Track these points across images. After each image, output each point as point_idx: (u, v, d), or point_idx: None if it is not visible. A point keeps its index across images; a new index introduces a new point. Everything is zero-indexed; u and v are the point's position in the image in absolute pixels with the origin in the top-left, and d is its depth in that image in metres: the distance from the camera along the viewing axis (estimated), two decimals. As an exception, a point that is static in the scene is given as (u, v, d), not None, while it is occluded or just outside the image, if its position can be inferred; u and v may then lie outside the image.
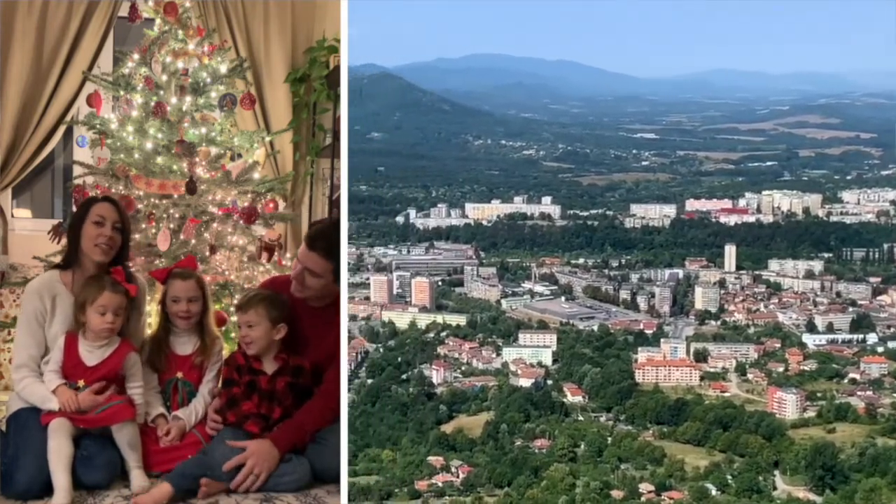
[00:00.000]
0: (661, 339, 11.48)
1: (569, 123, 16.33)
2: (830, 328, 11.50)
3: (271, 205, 7.18)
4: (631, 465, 10.13)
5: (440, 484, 9.95)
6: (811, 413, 10.51)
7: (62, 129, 9.02)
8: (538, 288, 12.56)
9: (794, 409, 10.49)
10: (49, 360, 4.98)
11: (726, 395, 10.94)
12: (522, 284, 12.65)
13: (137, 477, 4.82)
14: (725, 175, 14.45)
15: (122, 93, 7.05)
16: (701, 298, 12.07)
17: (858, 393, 10.57)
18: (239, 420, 5.07)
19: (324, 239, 5.26)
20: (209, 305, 5.49)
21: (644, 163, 14.94)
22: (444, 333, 11.88)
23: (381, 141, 15.12)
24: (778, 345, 11.40)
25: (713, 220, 13.08)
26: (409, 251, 13.02)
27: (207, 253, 6.72)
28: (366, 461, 10.26)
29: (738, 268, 12.45)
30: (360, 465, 10.22)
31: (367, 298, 12.21)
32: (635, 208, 13.45)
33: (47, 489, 4.63)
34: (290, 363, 5.18)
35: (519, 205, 13.53)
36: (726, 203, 13.27)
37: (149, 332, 5.60)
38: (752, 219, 13.01)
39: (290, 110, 9.56)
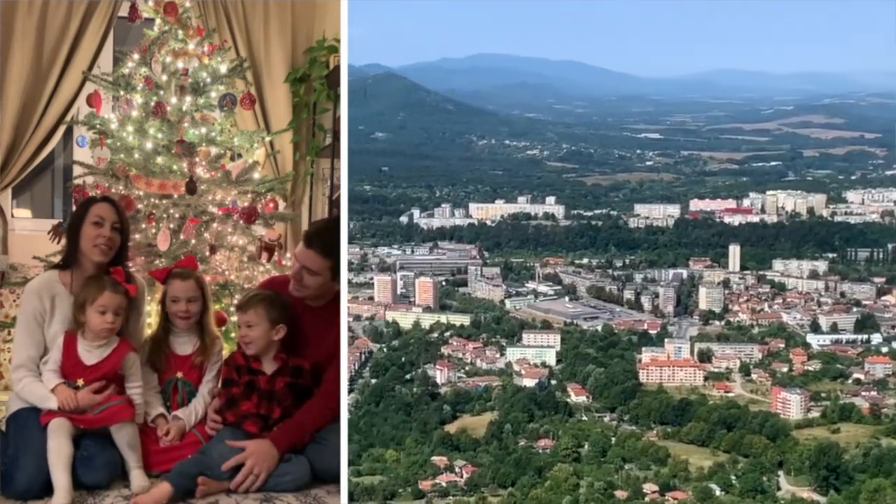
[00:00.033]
0: (665, 340, 11.48)
1: (573, 123, 16.32)
2: (835, 328, 11.48)
3: (271, 205, 7.18)
4: (635, 466, 10.12)
5: (444, 484, 9.95)
6: (815, 413, 10.50)
7: (62, 129, 9.02)
8: (542, 288, 12.56)
9: (799, 410, 10.48)
10: (48, 359, 4.98)
11: (730, 395, 10.93)
12: (526, 284, 12.65)
13: (137, 477, 4.82)
14: (729, 175, 14.43)
15: (122, 93, 7.05)
16: (705, 298, 12.05)
17: (863, 393, 10.56)
18: (238, 420, 5.07)
19: (321, 237, 5.26)
20: (209, 305, 5.49)
21: (648, 163, 14.93)
22: (447, 333, 11.87)
23: (385, 141, 15.13)
24: (782, 345, 11.39)
25: (717, 220, 13.07)
26: (412, 251, 13.02)
27: (207, 253, 6.71)
28: (370, 461, 10.27)
29: (743, 268, 12.45)
30: (364, 464, 10.23)
31: (371, 298, 12.22)
32: (639, 208, 13.44)
33: (47, 489, 4.62)
34: (290, 363, 5.18)
35: (523, 205, 13.53)
36: (730, 203, 13.26)
37: (149, 332, 5.60)
38: (756, 219, 13.00)
39: (290, 110, 9.56)
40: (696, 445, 10.34)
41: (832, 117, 15.37)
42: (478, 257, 13.00)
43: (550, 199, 13.60)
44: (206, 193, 6.87)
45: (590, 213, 13.48)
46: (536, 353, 11.40)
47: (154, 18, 7.07)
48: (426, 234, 13.33)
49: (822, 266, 12.32)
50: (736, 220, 12.97)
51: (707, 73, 17.05)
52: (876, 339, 11.25)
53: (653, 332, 11.73)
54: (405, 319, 12.03)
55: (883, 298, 11.79)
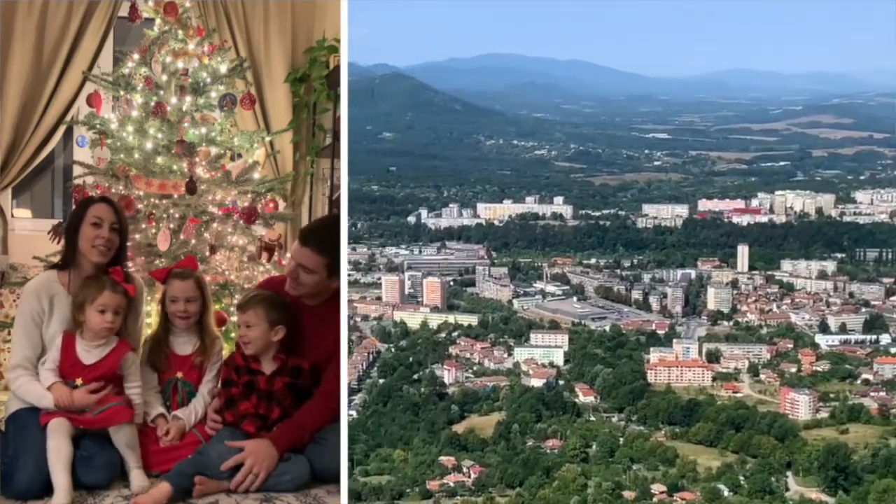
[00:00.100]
0: (674, 340, 11.47)
1: (581, 123, 16.31)
2: (843, 329, 11.46)
3: (271, 205, 7.17)
4: (643, 466, 10.11)
5: (452, 484, 9.95)
6: (824, 414, 10.49)
7: (62, 129, 9.04)
8: (550, 288, 12.56)
9: (807, 410, 10.46)
10: (46, 359, 4.98)
11: (739, 395, 10.92)
12: (534, 284, 12.65)
13: (137, 477, 4.82)
14: (738, 175, 14.41)
15: (122, 93, 7.04)
16: (713, 299, 12.04)
17: (871, 394, 10.54)
18: (237, 420, 5.08)
19: (317, 234, 5.26)
20: (209, 306, 5.49)
21: (656, 163, 14.92)
22: (455, 333, 11.88)
23: (392, 141, 15.13)
24: (791, 345, 11.37)
25: (726, 220, 13.05)
26: (420, 251, 13.02)
27: (207, 253, 6.71)
28: (377, 461, 10.27)
29: (751, 268, 12.43)
30: (372, 464, 10.23)
31: (379, 298, 12.23)
32: (647, 208, 13.43)
33: (47, 489, 4.63)
34: (289, 363, 5.17)
35: (531, 205, 13.52)
36: (739, 203, 13.24)
37: (149, 331, 5.61)
38: (764, 219, 12.98)
39: (290, 110, 9.56)
40: (705, 446, 10.33)
41: (841, 117, 15.34)
42: (486, 257, 12.99)
43: (558, 199, 13.60)
44: (206, 193, 6.87)
45: (598, 214, 13.47)
46: (544, 354, 11.40)
47: (154, 18, 7.06)
48: (434, 234, 13.33)
49: (830, 266, 12.30)
50: (744, 220, 12.95)
51: (716, 73, 17.03)
52: (885, 339, 11.22)
53: (661, 332, 11.72)
54: (413, 319, 12.04)
55: (891, 299, 11.76)
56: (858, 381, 10.81)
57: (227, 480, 4.82)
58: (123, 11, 8.52)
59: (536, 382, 11.05)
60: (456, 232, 13.32)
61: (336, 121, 9.36)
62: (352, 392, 11.05)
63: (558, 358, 11.37)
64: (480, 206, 13.55)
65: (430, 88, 15.95)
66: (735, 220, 12.98)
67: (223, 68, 7.18)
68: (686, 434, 10.45)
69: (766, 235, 12.81)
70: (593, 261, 12.89)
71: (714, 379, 11.12)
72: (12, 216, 9.39)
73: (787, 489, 9.73)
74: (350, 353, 11.39)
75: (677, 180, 14.42)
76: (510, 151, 15.23)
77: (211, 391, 5.35)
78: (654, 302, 12.21)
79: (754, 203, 13.27)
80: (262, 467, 4.84)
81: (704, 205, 13.33)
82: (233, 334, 6.00)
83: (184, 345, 5.39)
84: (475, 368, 11.41)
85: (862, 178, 13.79)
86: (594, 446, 10.34)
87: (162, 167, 6.78)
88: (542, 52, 16.14)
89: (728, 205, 13.21)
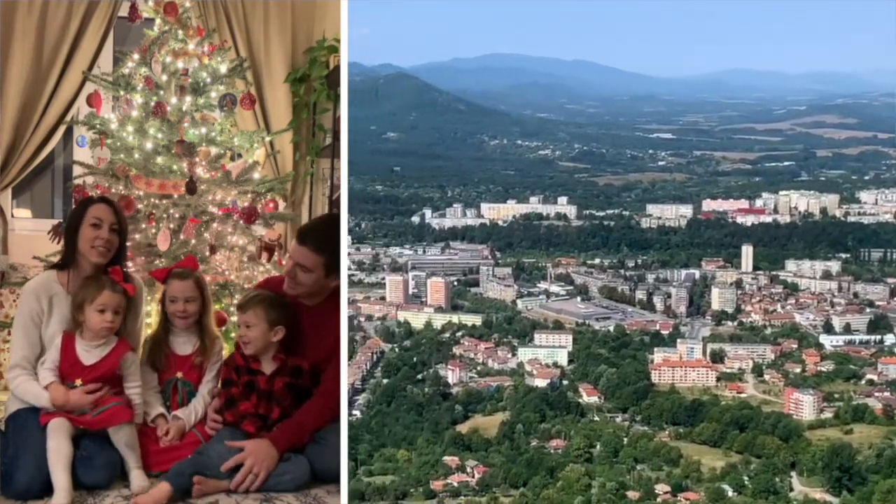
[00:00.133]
0: (678, 340, 11.46)
1: (585, 123, 16.30)
2: (848, 329, 11.45)
3: (271, 205, 7.17)
4: (647, 466, 10.11)
5: (455, 484, 9.95)
6: (828, 414, 10.47)
7: (62, 129, 9.06)
8: (554, 288, 12.55)
9: (811, 411, 10.45)
10: (45, 359, 4.98)
11: (743, 395, 10.91)
12: (538, 285, 12.64)
13: (137, 477, 4.82)
14: (742, 175, 14.40)
15: (122, 93, 7.04)
16: (717, 299, 12.03)
17: (876, 394, 10.53)
18: (237, 420, 5.08)
19: (314, 233, 5.26)
20: (209, 306, 5.49)
21: (660, 163, 14.91)
22: (459, 333, 11.87)
23: (396, 141, 15.14)
24: (795, 346, 11.36)
25: (730, 220, 13.04)
26: (424, 251, 13.02)
27: (207, 253, 6.71)
28: (381, 461, 10.27)
29: (755, 268, 12.42)
30: (376, 464, 10.23)
31: (383, 298, 12.24)
32: (651, 208, 13.42)
33: (47, 489, 4.63)
34: (289, 363, 5.17)
35: (535, 205, 13.51)
36: (743, 203, 13.23)
37: (149, 331, 5.61)
38: (769, 219, 12.97)
39: (290, 110, 9.56)
40: (709, 446, 10.32)
41: (845, 117, 15.32)
42: (489, 257, 12.99)
43: (562, 199, 13.59)
44: (206, 193, 6.87)
45: (602, 214, 13.47)
46: (548, 354, 11.39)
47: (154, 18, 7.06)
48: (438, 234, 13.33)
49: (835, 266, 12.28)
50: (748, 220, 12.94)
51: (719, 73, 17.03)
52: (889, 339, 11.21)
53: (665, 332, 11.71)
54: (417, 319, 12.04)
55: (896, 299, 11.77)
56: (863, 382, 10.79)
57: (226, 480, 4.82)
58: (123, 11, 8.53)
59: (540, 382, 11.04)
60: (460, 232, 13.32)
61: (336, 121, 9.36)
62: (356, 392, 11.06)
63: (562, 358, 11.37)
64: (484, 206, 13.54)
65: (434, 88, 15.95)
66: (739, 220, 12.97)
67: (223, 68, 7.18)
68: (690, 434, 10.44)
69: (770, 235, 12.80)
70: (597, 261, 12.88)
71: (718, 379, 11.10)
72: (12, 216, 9.41)
73: (791, 489, 9.71)
74: (354, 353, 11.41)
75: (681, 180, 14.41)
76: (514, 151, 15.22)
77: (211, 391, 5.35)
78: (658, 302, 12.20)
79: (758, 203, 13.26)
80: (262, 467, 4.84)
81: (708, 205, 13.32)
82: (233, 334, 6.00)
83: (184, 345, 5.39)
84: (479, 368, 11.40)
85: (866, 178, 13.78)
86: (598, 446, 10.33)
87: (162, 167, 6.77)
88: (546, 52, 16.15)
89: (732, 205, 13.20)
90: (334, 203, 9.38)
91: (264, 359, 5.16)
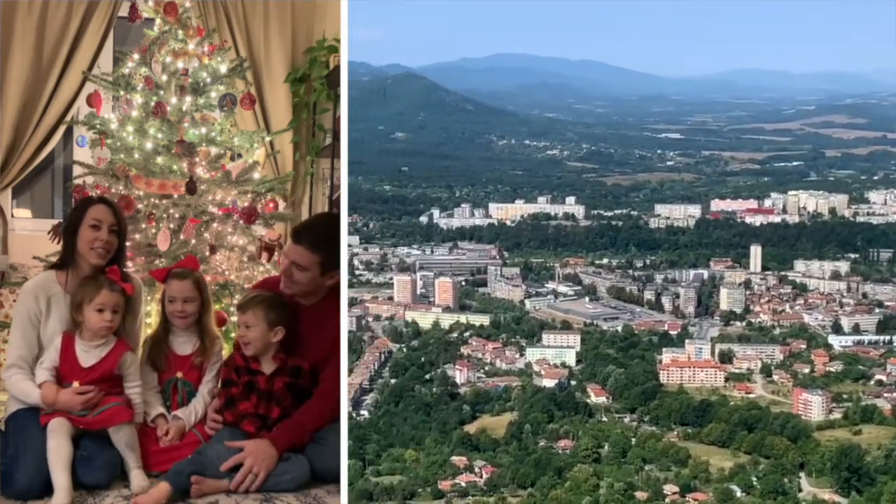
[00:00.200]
0: (686, 340, 11.45)
1: (593, 123, 16.31)
2: (857, 329, 11.42)
3: (271, 205, 7.14)
4: (655, 467, 10.09)
5: (463, 484, 9.95)
6: (837, 415, 10.46)
7: (62, 129, 9.03)
8: (562, 288, 12.55)
9: (820, 411, 10.43)
10: (44, 359, 4.96)
11: (751, 396, 10.90)
12: (546, 285, 12.64)
13: (137, 477, 4.80)
14: (751, 175, 14.39)
15: (122, 93, 7.01)
16: (726, 299, 12.02)
17: (885, 394, 10.51)
18: (236, 420, 5.07)
19: (309, 232, 5.25)
20: (209, 306, 5.47)
21: (669, 163, 14.90)
22: (467, 333, 11.88)
23: (405, 141, 15.16)
24: (804, 346, 11.35)
25: (738, 220, 13.03)
26: (432, 251, 13.03)
27: (207, 253, 6.69)
28: (389, 461, 10.27)
29: (764, 268, 12.41)
30: (384, 464, 10.23)
31: (391, 298, 12.25)
32: (660, 208, 13.41)
33: (47, 489, 4.61)
34: (289, 363, 5.15)
35: (543, 205, 13.51)
36: (752, 203, 13.22)
37: (149, 331, 5.61)
38: (777, 219, 12.95)
39: (290, 110, 9.54)
40: (717, 446, 10.31)
41: (854, 117, 15.30)
42: (497, 257, 12.99)
43: (570, 200, 13.59)
44: (206, 193, 6.84)
45: (610, 214, 13.46)
46: (556, 354, 11.39)
47: (154, 18, 7.02)
48: (446, 234, 13.34)
49: (843, 267, 12.26)
50: (757, 220, 12.93)
51: (728, 73, 17.02)
52: (898, 340, 11.21)
53: (673, 332, 11.70)
54: (425, 319, 12.04)
55: (905, 299, 11.75)
56: (872, 382, 10.78)
57: (226, 480, 4.81)
58: (123, 11, 8.50)
59: (548, 383, 11.04)
60: (468, 232, 13.33)
61: (336, 121, 9.34)
62: (363, 392, 11.07)
63: (570, 358, 11.37)
64: (492, 206, 13.55)
65: (442, 88, 15.96)
66: (748, 220, 12.96)
67: (223, 68, 7.15)
68: (698, 435, 10.43)
69: (779, 236, 12.78)
70: (605, 261, 12.88)
71: (727, 379, 11.10)
72: (12, 216, 9.39)
73: (800, 490, 9.70)
74: (362, 353, 11.42)
75: (690, 180, 14.40)
76: (522, 151, 15.23)
77: (211, 391, 5.33)
78: (666, 302, 12.19)
79: (767, 203, 13.25)
80: (262, 467, 4.83)
81: (717, 205, 13.31)
82: (233, 334, 5.99)
83: (184, 345, 5.38)
84: (487, 368, 11.41)
85: (875, 178, 13.76)
86: (606, 447, 10.33)
87: (162, 167, 6.75)
88: (554, 52, 16.17)
89: (741, 205, 13.19)
90: (334, 203, 9.37)
91: (264, 359, 5.15)
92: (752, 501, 9.57)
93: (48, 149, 9.10)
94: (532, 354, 11.43)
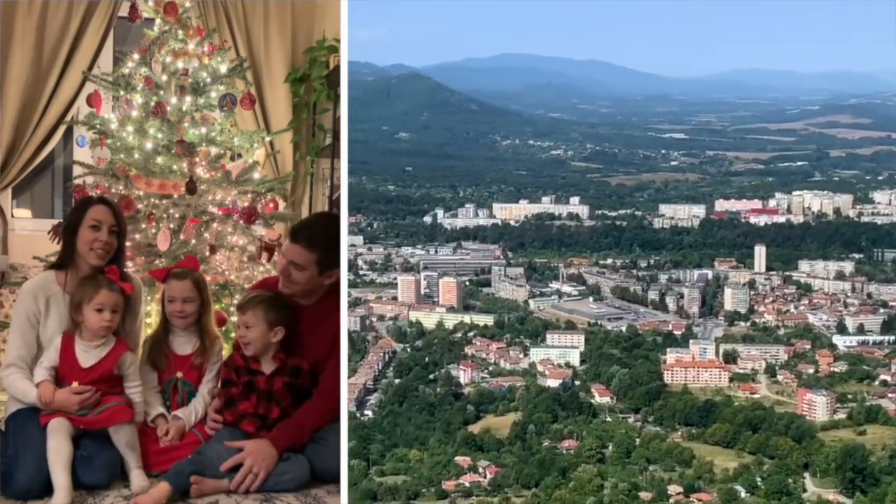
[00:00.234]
0: (690, 340, 11.45)
1: (597, 123, 16.30)
2: (861, 329, 11.42)
3: (271, 205, 7.14)
4: (659, 467, 10.09)
5: (467, 484, 9.95)
6: (841, 415, 10.45)
7: (62, 129, 9.03)
8: (566, 288, 12.54)
9: (825, 411, 10.42)
10: (43, 359, 4.96)
11: (756, 396, 10.89)
12: (550, 285, 12.64)
13: (137, 477, 4.79)
14: (755, 175, 14.38)
15: (122, 93, 7.00)
16: (730, 299, 12.01)
17: (889, 395, 10.51)
18: (236, 420, 5.07)
19: (306, 231, 5.24)
20: (208, 306, 5.45)
21: (673, 163, 14.89)
22: (471, 333, 11.87)
23: (409, 141, 15.16)
24: (808, 346, 11.34)
25: (743, 220, 13.02)
26: (436, 251, 13.03)
27: (207, 253, 6.68)
28: (393, 461, 10.28)
29: (768, 269, 12.40)
30: (388, 464, 10.24)
31: (395, 298, 12.25)
32: (664, 208, 13.40)
33: (47, 489, 4.60)
34: (289, 363, 5.14)
35: (547, 205, 13.51)
36: (756, 203, 13.21)
37: (149, 331, 5.60)
38: (782, 219, 12.94)
39: (290, 110, 9.54)
40: (721, 447, 10.30)
41: (859, 117, 15.28)
42: (501, 257, 12.99)
43: (574, 200, 13.59)
44: (206, 193, 6.83)
45: (614, 214, 13.45)
46: (560, 354, 11.39)
47: (154, 18, 7.01)
48: (450, 235, 13.34)
49: (848, 267, 12.25)
50: (762, 220, 12.91)
51: (732, 73, 17.00)
52: (902, 340, 11.20)
53: (677, 332, 11.70)
54: (429, 319, 12.04)
55: (910, 300, 11.73)
56: (876, 383, 10.77)
57: (226, 480, 4.81)
58: (123, 11, 8.49)
59: (552, 383, 11.04)
60: (472, 232, 13.33)
61: (336, 121, 9.34)
62: (367, 392, 11.07)
63: (574, 358, 11.36)
64: (496, 207, 13.55)
65: (446, 88, 15.96)
66: (752, 220, 12.95)
67: (223, 68, 7.14)
68: (703, 435, 10.43)
69: (783, 236, 12.77)
70: (609, 261, 12.87)
71: (731, 380, 11.09)
72: (12, 216, 9.39)
73: (805, 490, 9.69)
74: (365, 353, 11.42)
75: (694, 180, 14.39)
76: (526, 151, 15.22)
77: (211, 391, 5.32)
78: (670, 302, 12.19)
79: (772, 203, 13.24)
80: (262, 467, 4.83)
81: (721, 205, 13.30)
82: (233, 334, 5.99)
83: (184, 345, 5.37)
84: (491, 369, 11.41)
85: (880, 178, 13.74)
86: (610, 447, 10.33)
87: (162, 167, 6.74)
88: (559, 52, 16.18)
89: (745, 205, 13.18)
90: (334, 203, 9.36)
91: (264, 359, 5.14)
92: (757, 502, 9.56)
93: (48, 149, 9.10)
94: (536, 354, 11.43)
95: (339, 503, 4.89)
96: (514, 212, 13.48)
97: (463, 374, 11.23)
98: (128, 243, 5.71)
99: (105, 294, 4.91)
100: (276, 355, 5.13)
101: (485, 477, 10.02)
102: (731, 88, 16.96)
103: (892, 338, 11.21)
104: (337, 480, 5.02)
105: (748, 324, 11.79)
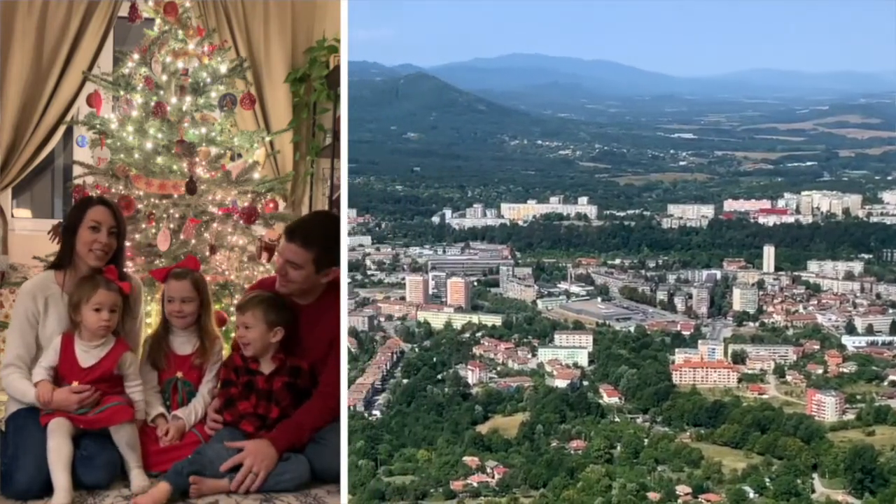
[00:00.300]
0: (699, 341, 11.43)
1: (606, 123, 16.29)
2: (870, 330, 11.39)
3: (271, 205, 7.13)
4: (668, 467, 10.08)
5: (475, 484, 9.95)
6: (850, 415, 10.42)
7: (62, 129, 9.03)
8: (574, 288, 12.53)
9: (833, 412, 10.40)
10: (42, 359, 4.95)
11: (764, 397, 10.87)
12: (558, 285, 12.63)
13: (137, 477, 4.79)
14: (764, 175, 14.36)
15: (122, 93, 6.99)
16: (739, 300, 11.99)
17: (898, 395, 10.49)
18: (236, 420, 5.07)
19: (302, 229, 5.22)
20: (208, 306, 5.44)
21: (682, 163, 14.87)
22: (479, 334, 11.88)
23: (417, 141, 15.17)
24: (817, 346, 11.31)
25: (751, 220, 13.00)
26: (444, 251, 13.02)
27: (207, 253, 6.67)
28: (401, 461, 10.28)
29: (777, 269, 12.37)
30: (396, 464, 10.24)
31: (403, 298, 12.26)
32: (673, 209, 13.39)
33: (47, 489, 4.60)
34: (288, 363, 5.14)
35: (555, 205, 13.50)
36: (765, 203, 13.18)
37: (149, 331, 5.60)
38: (791, 219, 12.92)
39: (290, 110, 9.54)
40: (730, 447, 10.29)
41: (868, 117, 15.24)
42: (510, 257, 12.99)
43: (583, 200, 13.58)
44: (206, 193, 6.82)
45: (622, 214, 13.44)
46: (568, 354, 11.39)
47: (154, 18, 7.00)
48: (458, 235, 13.34)
49: (857, 267, 12.22)
50: (770, 220, 12.89)
51: (741, 73, 16.98)
52: (912, 341, 11.17)
53: (686, 333, 11.68)
54: (437, 319, 12.05)
55: (920, 300, 11.70)
56: (885, 383, 10.74)
57: (226, 480, 4.81)
58: (123, 11, 8.50)
59: (560, 383, 11.04)
60: (480, 232, 13.32)
61: (336, 121, 9.34)
62: (376, 392, 11.08)
63: (582, 359, 11.36)
64: (504, 207, 13.55)
65: (454, 88, 15.96)
66: (761, 220, 12.93)
67: (223, 68, 7.13)
68: (711, 435, 10.42)
69: (792, 236, 12.75)
70: (618, 261, 12.86)
71: (740, 380, 11.08)
72: (12, 216, 9.40)
73: (814, 491, 9.67)
74: (374, 353, 11.43)
75: (703, 180, 14.37)
76: (534, 151, 15.22)
77: (211, 391, 5.30)
78: (679, 303, 12.17)
79: (780, 203, 13.22)
80: (262, 467, 4.82)
81: (730, 205, 13.28)
82: (233, 334, 5.99)
83: (183, 345, 5.36)
84: (499, 369, 11.41)
85: (889, 178, 13.70)
86: (619, 447, 10.32)
87: (162, 167, 6.74)
88: (567, 52, 16.19)
89: (754, 205, 13.16)
90: (334, 203, 9.35)
91: (263, 359, 5.14)
92: (765, 502, 9.55)
93: (48, 149, 9.11)
94: (544, 355, 11.43)
95: (339, 503, 4.89)
96: (522, 212, 13.48)
97: (471, 375, 11.24)
98: (128, 243, 5.72)
99: (103, 293, 4.90)
100: (276, 355, 5.13)
101: (493, 477, 10.02)
102: (740, 88, 16.93)
103: (901, 338, 11.20)
104: (337, 480, 5.01)
105: (757, 324, 11.76)
